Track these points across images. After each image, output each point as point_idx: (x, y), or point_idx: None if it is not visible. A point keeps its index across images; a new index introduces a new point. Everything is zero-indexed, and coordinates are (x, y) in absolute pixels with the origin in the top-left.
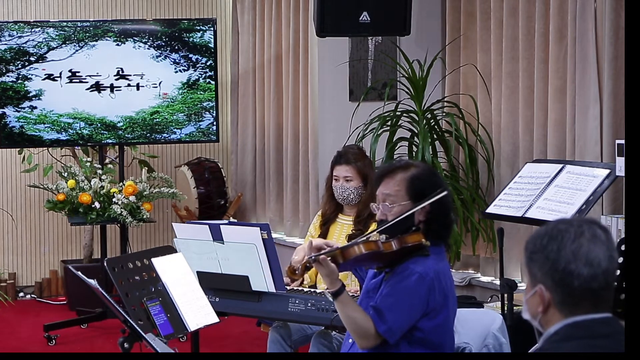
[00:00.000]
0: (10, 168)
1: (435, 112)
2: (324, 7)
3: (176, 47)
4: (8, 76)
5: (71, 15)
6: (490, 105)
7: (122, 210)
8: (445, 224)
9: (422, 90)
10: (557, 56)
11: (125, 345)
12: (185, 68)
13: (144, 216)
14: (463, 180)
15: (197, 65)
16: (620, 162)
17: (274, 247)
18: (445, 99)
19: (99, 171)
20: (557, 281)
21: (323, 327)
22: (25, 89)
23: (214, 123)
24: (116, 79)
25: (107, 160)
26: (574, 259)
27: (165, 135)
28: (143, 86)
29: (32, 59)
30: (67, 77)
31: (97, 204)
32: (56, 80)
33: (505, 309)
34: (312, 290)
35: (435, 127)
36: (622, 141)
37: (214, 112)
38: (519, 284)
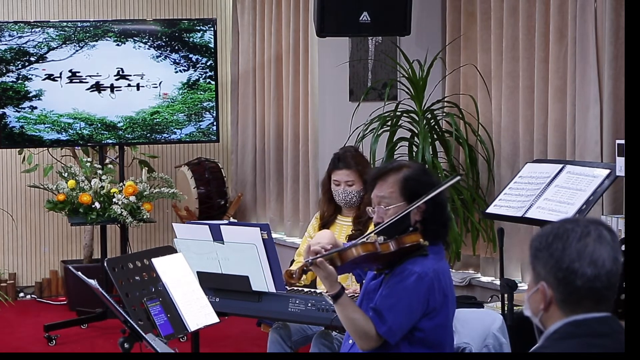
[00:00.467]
0: (10, 168)
1: (435, 112)
2: (324, 7)
3: (176, 47)
4: (8, 76)
5: (71, 16)
6: (490, 105)
7: (122, 210)
8: (442, 223)
9: (422, 90)
10: (557, 56)
11: (126, 345)
12: (186, 68)
13: (144, 216)
14: (463, 180)
15: (197, 66)
16: (620, 162)
17: (274, 247)
18: (446, 99)
19: (99, 171)
20: (560, 279)
21: (323, 328)
22: (26, 89)
23: (214, 123)
24: (116, 79)
25: (107, 161)
26: (578, 258)
27: (165, 135)
28: (143, 86)
29: (32, 59)
30: (67, 77)
31: (97, 204)
32: (56, 81)
33: (506, 309)
34: (312, 290)
35: (436, 127)
36: (622, 141)
37: (214, 112)
38: (519, 284)
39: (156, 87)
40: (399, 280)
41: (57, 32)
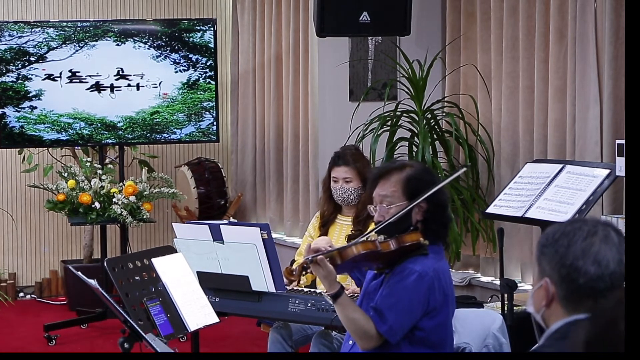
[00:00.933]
0: (10, 168)
1: (435, 112)
2: (324, 7)
3: (176, 47)
4: (8, 76)
5: (71, 15)
6: (490, 105)
7: (122, 210)
8: (442, 223)
9: (422, 90)
10: (557, 56)
11: (125, 345)
12: (185, 68)
13: (144, 216)
14: (463, 180)
15: (197, 66)
16: (620, 162)
17: (274, 247)
18: (445, 99)
19: (99, 171)
20: (563, 276)
21: (323, 327)
22: (25, 89)
23: (214, 123)
24: (116, 79)
25: (107, 160)
26: (582, 256)
27: (165, 135)
28: (143, 86)
29: (32, 59)
30: (67, 77)
31: (97, 204)
32: (56, 80)
33: (506, 309)
34: (312, 290)
35: (435, 127)
36: (622, 141)
37: (214, 112)
38: (519, 284)
39: (156, 87)
40: (399, 279)
41: (57, 32)
